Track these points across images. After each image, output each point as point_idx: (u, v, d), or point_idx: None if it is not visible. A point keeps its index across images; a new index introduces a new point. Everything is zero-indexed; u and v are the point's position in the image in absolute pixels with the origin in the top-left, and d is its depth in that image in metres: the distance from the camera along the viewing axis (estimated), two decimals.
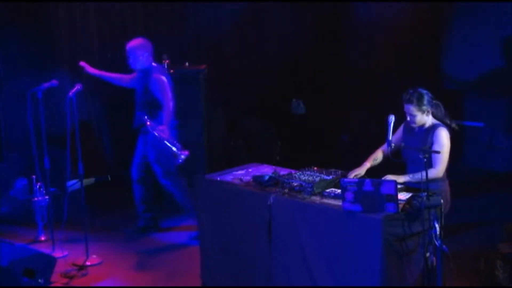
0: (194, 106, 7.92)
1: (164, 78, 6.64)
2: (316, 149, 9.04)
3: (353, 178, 5.00)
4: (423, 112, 5.09)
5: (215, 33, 9.28)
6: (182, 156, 6.29)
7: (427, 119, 5.15)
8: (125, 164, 7.15)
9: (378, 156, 5.35)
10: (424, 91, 5.11)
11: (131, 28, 9.28)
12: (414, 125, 5.17)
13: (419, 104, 5.07)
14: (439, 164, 5.04)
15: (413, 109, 5.08)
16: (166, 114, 6.54)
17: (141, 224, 7.06)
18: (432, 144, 5.07)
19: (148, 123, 6.38)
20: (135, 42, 6.68)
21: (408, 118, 5.15)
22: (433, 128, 5.13)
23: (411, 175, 5.01)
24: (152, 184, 7.00)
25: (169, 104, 6.56)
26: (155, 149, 6.66)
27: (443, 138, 5.08)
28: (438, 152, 4.87)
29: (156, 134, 6.35)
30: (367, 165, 5.26)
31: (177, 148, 6.30)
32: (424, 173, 4.63)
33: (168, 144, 6.31)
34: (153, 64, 6.73)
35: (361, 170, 5.18)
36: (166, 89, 6.59)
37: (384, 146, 5.28)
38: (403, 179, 4.99)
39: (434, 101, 5.16)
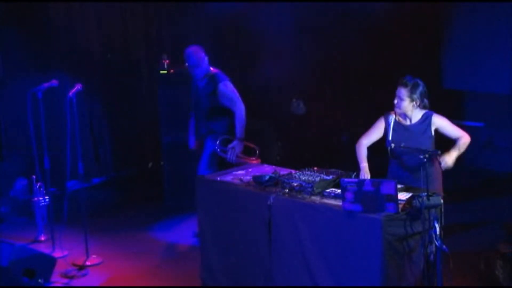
0: None
1: (231, 85, 6.33)
2: (316, 149, 9.04)
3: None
4: (411, 100, 5.13)
5: (215, 32, 9.28)
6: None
7: (415, 111, 5.19)
8: (125, 164, 7.14)
9: (365, 152, 5.33)
10: (421, 83, 5.17)
11: (131, 29, 9.29)
12: (398, 110, 5.19)
13: (412, 91, 5.11)
14: (460, 130, 5.24)
15: (404, 93, 5.12)
16: (239, 123, 6.18)
17: None
18: (428, 127, 5.17)
19: (218, 150, 6.20)
20: (193, 48, 6.35)
21: (395, 101, 5.16)
22: (427, 116, 5.20)
23: (457, 148, 5.14)
24: None
25: (242, 112, 6.18)
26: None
27: (444, 119, 5.22)
28: (437, 152, 4.87)
29: (227, 157, 6.10)
30: (366, 165, 5.25)
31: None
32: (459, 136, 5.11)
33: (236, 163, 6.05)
34: (212, 69, 6.43)
35: (368, 173, 5.19)
36: (236, 96, 6.25)
37: (361, 141, 5.31)
38: (454, 154, 5.10)
39: (425, 98, 5.20)
